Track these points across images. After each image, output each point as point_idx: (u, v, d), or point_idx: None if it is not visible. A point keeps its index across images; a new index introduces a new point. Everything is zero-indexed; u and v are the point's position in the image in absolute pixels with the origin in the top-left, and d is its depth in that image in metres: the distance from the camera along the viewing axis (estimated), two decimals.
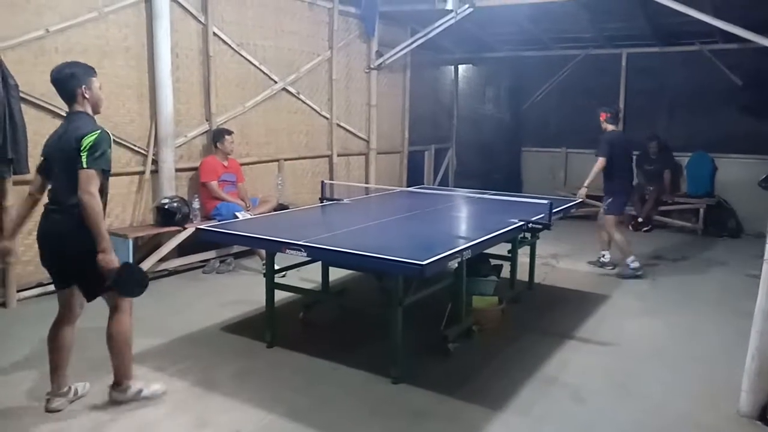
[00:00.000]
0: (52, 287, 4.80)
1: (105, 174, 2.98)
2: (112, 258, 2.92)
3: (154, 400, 3.18)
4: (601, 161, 5.78)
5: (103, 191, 3.01)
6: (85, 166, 2.84)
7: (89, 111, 3.08)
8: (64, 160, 2.93)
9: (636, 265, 5.84)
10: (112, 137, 3.02)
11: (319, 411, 3.14)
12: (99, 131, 2.92)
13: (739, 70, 8.11)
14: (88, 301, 3.12)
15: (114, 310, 3.12)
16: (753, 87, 7.94)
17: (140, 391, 3.18)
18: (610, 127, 5.92)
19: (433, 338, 3.92)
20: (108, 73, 5.10)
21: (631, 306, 4.99)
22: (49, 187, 3.09)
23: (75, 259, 2.97)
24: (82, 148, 2.85)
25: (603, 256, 6.18)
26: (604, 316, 4.70)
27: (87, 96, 3.05)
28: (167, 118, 5.41)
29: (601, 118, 5.96)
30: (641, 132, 8.61)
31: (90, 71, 3.09)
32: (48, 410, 3.06)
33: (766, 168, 7.48)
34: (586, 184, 5.85)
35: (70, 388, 3.15)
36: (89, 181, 2.84)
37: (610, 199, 5.87)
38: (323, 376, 3.54)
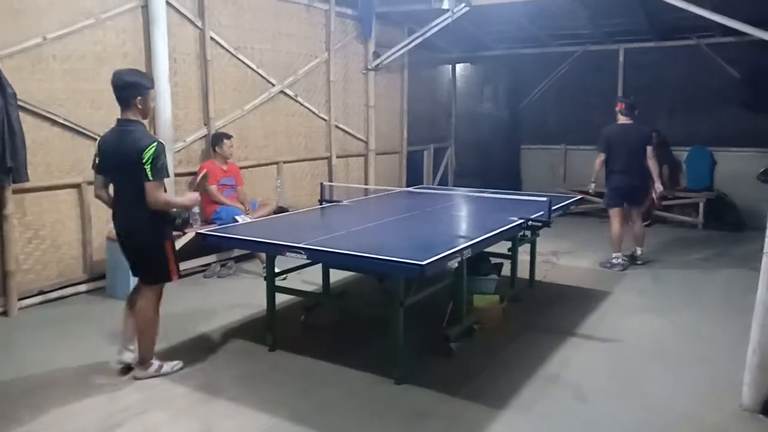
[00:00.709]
0: (53, 295, 4.86)
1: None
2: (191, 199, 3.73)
3: (161, 402, 3.20)
4: (600, 157, 5.94)
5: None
6: (150, 178, 3.20)
7: (141, 119, 3.38)
8: (125, 167, 3.27)
9: (617, 262, 5.96)
10: (164, 144, 3.37)
11: (322, 414, 3.15)
12: (156, 143, 3.25)
13: (736, 64, 8.10)
14: (144, 283, 3.52)
15: (146, 292, 3.50)
16: (751, 81, 7.93)
17: (161, 367, 3.54)
18: (622, 119, 5.95)
19: (434, 338, 3.92)
20: (106, 79, 5.03)
21: (632, 302, 4.99)
22: (112, 186, 3.46)
23: (142, 251, 3.46)
24: (144, 161, 3.18)
25: (636, 251, 6.21)
26: (606, 313, 4.70)
27: (140, 106, 3.34)
28: (166, 123, 5.41)
29: (617, 109, 6.01)
30: None
31: (149, 82, 3.44)
32: (119, 362, 3.57)
33: (765, 161, 7.46)
34: (592, 180, 6.04)
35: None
36: (156, 190, 3.24)
37: (605, 192, 6.06)
38: (325, 379, 3.54)
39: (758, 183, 7.08)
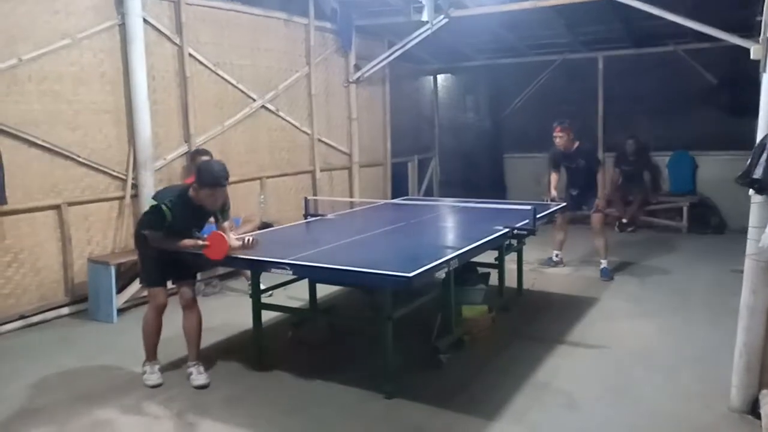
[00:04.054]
0: (34, 319, 4.77)
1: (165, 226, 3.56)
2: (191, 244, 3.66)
3: (148, 427, 3.13)
4: (606, 173, 6.12)
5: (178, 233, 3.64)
6: None
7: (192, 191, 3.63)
8: None
9: (610, 268, 6.01)
10: (166, 209, 3.52)
11: None
12: (154, 203, 3.57)
13: (713, 69, 8.23)
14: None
15: None
16: (728, 85, 8.05)
17: (144, 372, 3.72)
18: (576, 143, 6.03)
19: (424, 350, 3.89)
20: (84, 100, 5.05)
21: (620, 308, 5.00)
22: None
23: None
24: None
25: (557, 255, 6.43)
26: (594, 320, 4.71)
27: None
28: (145, 142, 5.36)
29: (570, 134, 5.98)
30: (621, 133, 8.71)
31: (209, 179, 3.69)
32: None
33: (744, 164, 7.56)
34: (606, 200, 6.03)
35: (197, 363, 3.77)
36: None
37: (597, 201, 5.98)
38: (315, 396, 3.49)
39: (739, 185, 7.18)
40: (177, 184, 3.78)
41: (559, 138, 5.97)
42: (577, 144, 6.02)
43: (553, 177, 6.20)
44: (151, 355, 3.76)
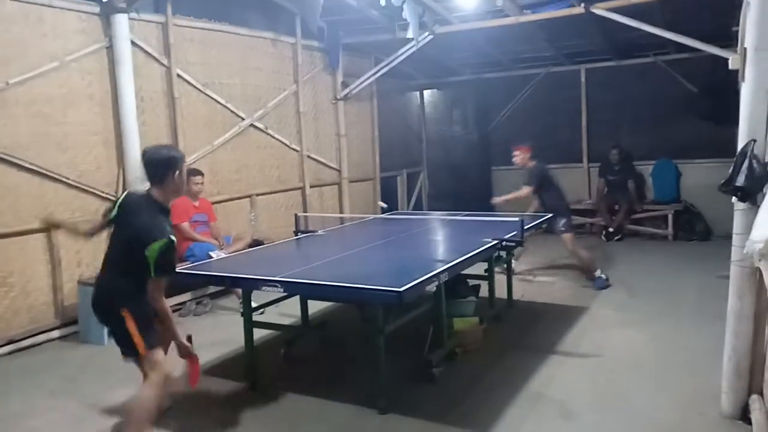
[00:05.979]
0: (25, 343, 4.73)
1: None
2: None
3: None
4: (527, 190, 6.05)
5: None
6: (153, 275, 2.87)
7: (163, 199, 3.06)
8: (126, 242, 2.98)
9: (604, 275, 5.98)
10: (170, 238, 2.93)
11: None
12: (166, 240, 2.85)
13: (693, 79, 8.38)
14: None
15: None
16: (708, 94, 8.20)
17: None
18: (531, 163, 6.10)
19: (417, 364, 3.90)
20: (72, 122, 5.07)
21: (610, 317, 5.05)
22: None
23: None
24: (149, 254, 2.82)
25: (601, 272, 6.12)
26: (585, 329, 4.74)
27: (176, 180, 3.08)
28: (135, 163, 5.35)
29: (527, 153, 6.09)
30: (605, 144, 8.83)
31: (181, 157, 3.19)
32: None
33: (727, 171, 7.67)
34: (506, 198, 6.02)
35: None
36: (157, 288, 2.92)
37: (564, 220, 5.95)
38: (309, 414, 3.49)
39: (722, 193, 7.28)
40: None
41: (515, 157, 6.18)
42: (532, 164, 6.15)
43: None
44: None
